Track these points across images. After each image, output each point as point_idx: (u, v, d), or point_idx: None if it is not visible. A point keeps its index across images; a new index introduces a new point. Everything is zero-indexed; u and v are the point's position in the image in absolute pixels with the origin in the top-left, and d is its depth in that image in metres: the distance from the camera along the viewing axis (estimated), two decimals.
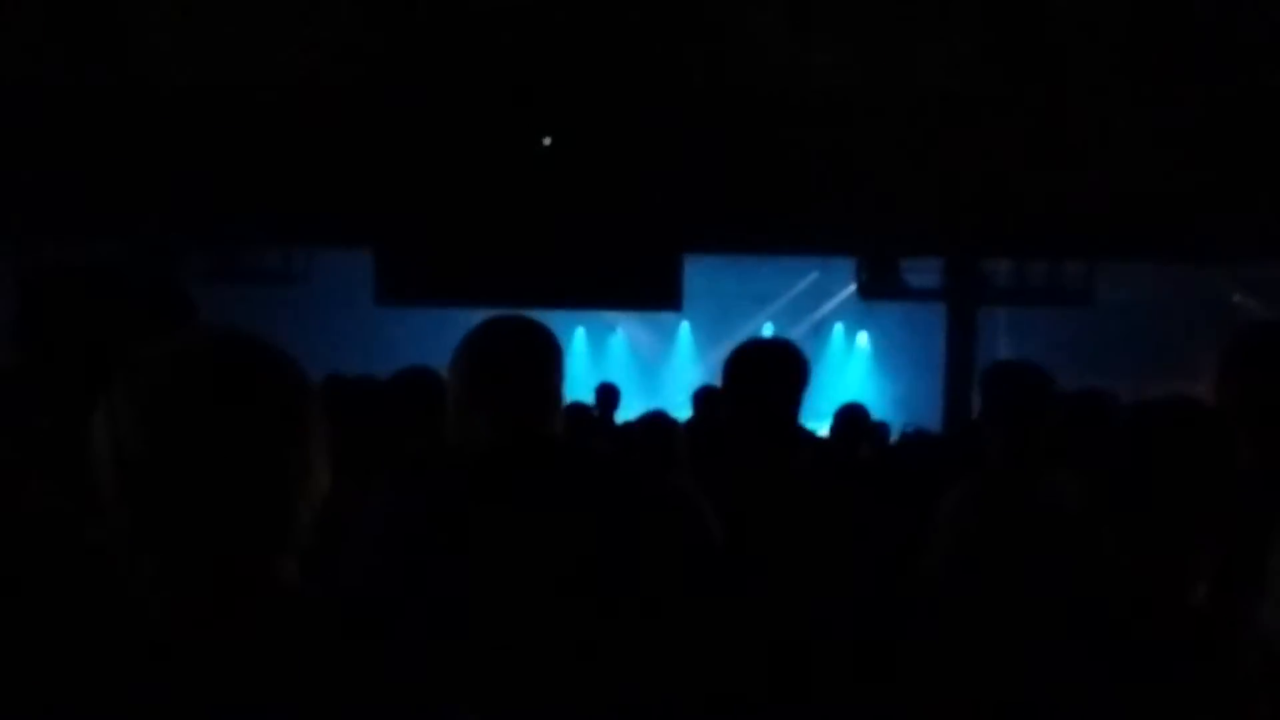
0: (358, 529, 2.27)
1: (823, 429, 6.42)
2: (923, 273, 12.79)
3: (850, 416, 6.14)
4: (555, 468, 2.39)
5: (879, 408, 12.13)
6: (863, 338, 18.33)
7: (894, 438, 7.19)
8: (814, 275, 17.02)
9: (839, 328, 18.21)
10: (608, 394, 8.32)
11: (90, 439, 1.25)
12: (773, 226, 11.54)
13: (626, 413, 7.96)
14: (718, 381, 3.27)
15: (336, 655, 1.25)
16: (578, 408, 6.32)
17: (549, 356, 2.45)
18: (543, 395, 2.41)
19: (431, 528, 2.25)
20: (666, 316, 16.52)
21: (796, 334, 16.45)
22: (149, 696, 1.16)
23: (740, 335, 16.77)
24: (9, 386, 2.09)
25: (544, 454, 2.39)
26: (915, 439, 6.19)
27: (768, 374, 3.06)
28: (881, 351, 18.00)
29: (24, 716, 1.16)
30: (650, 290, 12.36)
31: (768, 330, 16.63)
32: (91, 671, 1.18)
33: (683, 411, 7.22)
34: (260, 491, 1.24)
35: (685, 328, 18.27)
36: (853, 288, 14.16)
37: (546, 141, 11.24)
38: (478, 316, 2.52)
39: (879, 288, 13.07)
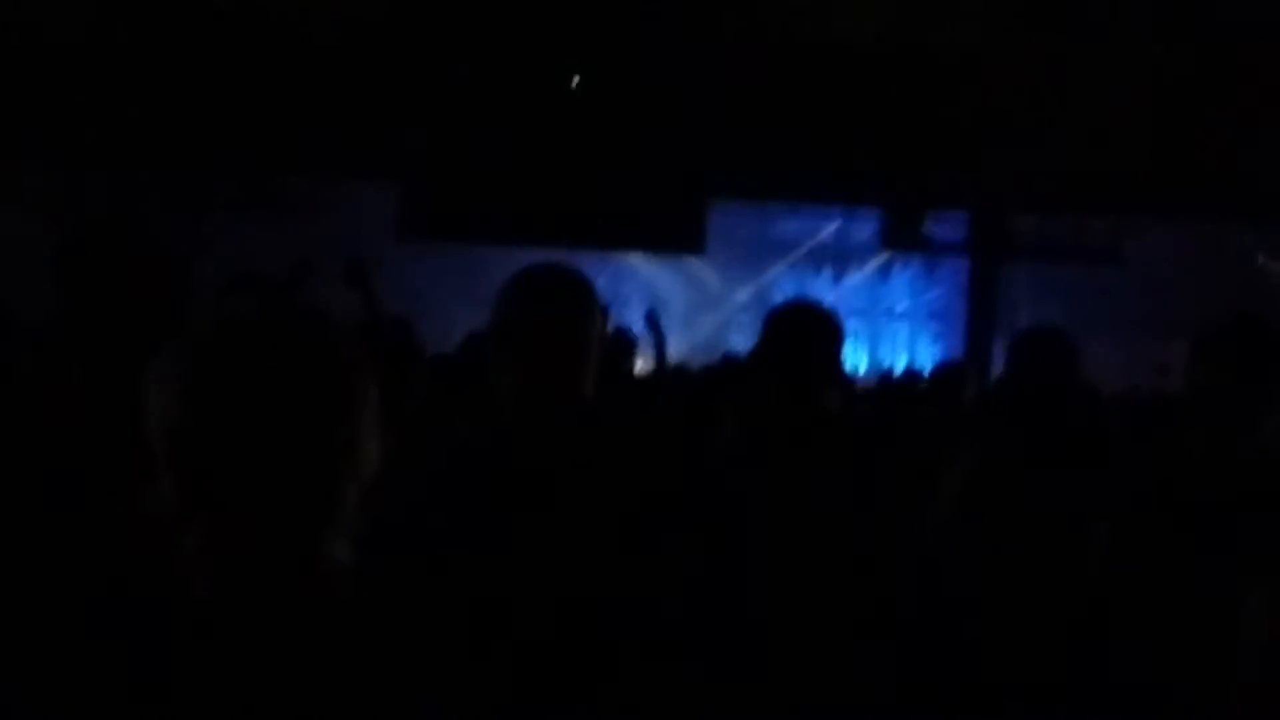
0: (391, 491, 2.27)
1: None
2: (948, 226, 12.69)
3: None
4: (578, 432, 2.34)
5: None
6: None
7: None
8: (837, 223, 16.87)
9: (860, 278, 18.05)
10: (621, 342, 8.21)
11: (139, 404, 1.25)
12: (798, 176, 11.46)
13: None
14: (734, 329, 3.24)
15: (380, 635, 1.25)
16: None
17: (581, 310, 2.35)
18: (573, 350, 2.33)
19: (459, 490, 2.23)
20: (687, 263, 16.44)
21: (818, 284, 16.41)
22: (191, 672, 1.17)
23: (761, 282, 16.72)
24: (47, 339, 2.10)
25: (569, 416, 2.34)
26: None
27: (803, 335, 3.02)
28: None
29: (64, 687, 1.17)
30: (674, 233, 12.29)
31: (787, 279, 16.54)
32: (132, 646, 1.18)
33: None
34: (304, 467, 1.22)
35: (707, 273, 18.13)
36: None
37: (575, 81, 11.14)
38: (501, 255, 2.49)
39: (902, 239, 12.97)
